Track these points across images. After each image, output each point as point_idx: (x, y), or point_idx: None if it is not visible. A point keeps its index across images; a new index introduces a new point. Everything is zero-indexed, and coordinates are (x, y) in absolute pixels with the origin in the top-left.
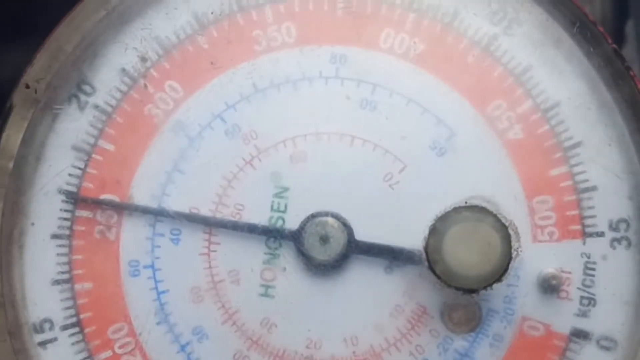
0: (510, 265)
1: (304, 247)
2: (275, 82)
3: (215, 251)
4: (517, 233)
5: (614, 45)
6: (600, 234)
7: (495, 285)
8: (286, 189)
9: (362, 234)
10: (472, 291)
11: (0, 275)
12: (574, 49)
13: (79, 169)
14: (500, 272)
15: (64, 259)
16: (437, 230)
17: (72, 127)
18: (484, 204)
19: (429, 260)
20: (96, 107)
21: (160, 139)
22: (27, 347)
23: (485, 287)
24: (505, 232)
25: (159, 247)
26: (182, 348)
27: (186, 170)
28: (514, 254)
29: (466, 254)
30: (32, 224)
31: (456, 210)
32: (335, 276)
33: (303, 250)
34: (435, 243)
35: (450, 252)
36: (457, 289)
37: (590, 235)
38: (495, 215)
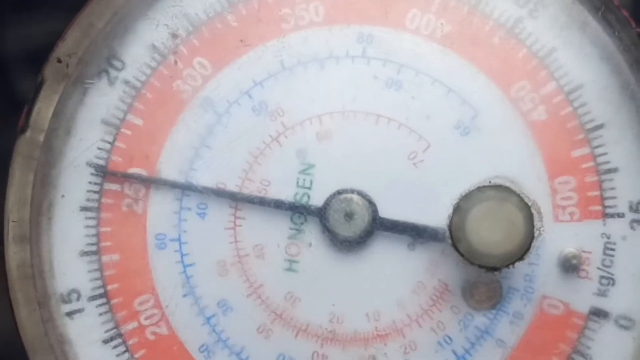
0: (533, 244)
1: (328, 223)
2: (302, 60)
3: (240, 226)
4: (539, 213)
5: (638, 30)
6: (621, 215)
7: (517, 264)
8: (312, 166)
9: (386, 211)
10: (494, 269)
11: (29, 246)
12: (599, 32)
13: (108, 142)
14: (522, 251)
15: (92, 231)
16: (461, 208)
17: (102, 101)
18: (507, 184)
19: (453, 238)
20: (126, 82)
21: (188, 114)
22: (55, 317)
23: (507, 266)
24: (528, 212)
25: (185, 220)
26: (207, 320)
27: (213, 146)
28: (536, 233)
29: (489, 232)
30: (62, 196)
31: (480, 189)
32: (359, 252)
33: (328, 226)
34: (459, 221)
35: (474, 231)
36: (480, 266)
37: (611, 216)
38: (518, 195)
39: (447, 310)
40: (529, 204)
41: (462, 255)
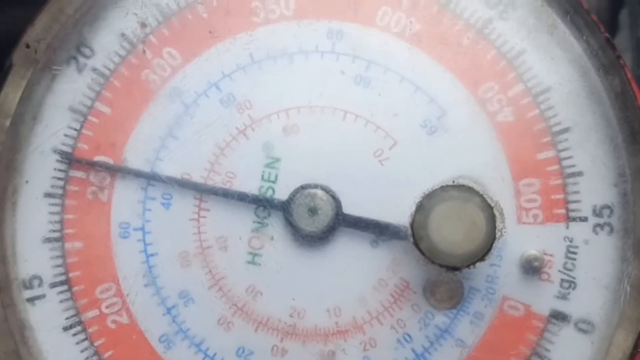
0: (494, 245)
1: (292, 218)
2: (271, 54)
3: (204, 217)
4: (502, 214)
5: (607, 34)
6: (584, 219)
7: (478, 264)
8: (277, 160)
9: (350, 208)
10: (455, 269)
11: None
12: (567, 35)
13: (75, 130)
14: (483, 251)
15: (56, 218)
16: (423, 207)
17: (70, 88)
18: (470, 184)
19: (414, 236)
20: (94, 69)
21: (156, 104)
22: (16, 303)
23: (468, 266)
24: (490, 213)
25: (149, 210)
26: (168, 311)
27: (180, 137)
28: (498, 234)
29: (451, 232)
30: (26, 181)
31: (443, 188)
32: (322, 247)
33: (291, 221)
34: (421, 220)
35: (436, 230)
36: (441, 266)
37: (574, 219)
38: (481, 196)
39: (407, 308)
40: (492, 204)
41: (423, 253)
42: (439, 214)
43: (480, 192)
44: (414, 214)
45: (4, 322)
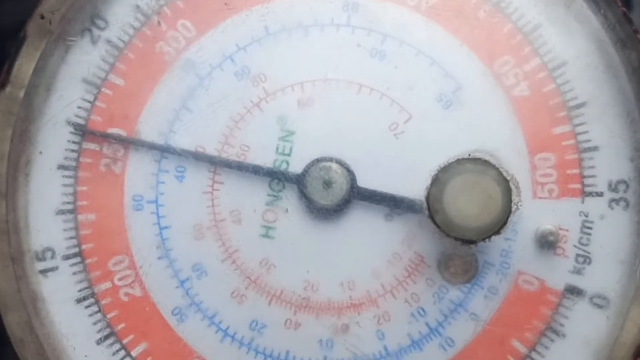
0: (510, 219)
1: (306, 191)
2: (287, 26)
3: (218, 190)
4: (518, 187)
5: (624, 8)
6: (599, 194)
7: (493, 238)
8: (292, 133)
9: (365, 181)
10: (470, 242)
11: (5, 202)
12: (584, 9)
13: (88, 102)
14: (499, 224)
15: (69, 190)
16: (439, 180)
17: (84, 60)
18: (486, 157)
19: (430, 210)
20: (108, 41)
21: (170, 76)
22: (28, 274)
23: (483, 239)
24: (506, 186)
25: (163, 183)
26: (182, 283)
27: (194, 109)
28: (513, 207)
29: (467, 205)
30: (40, 152)
31: (459, 161)
32: (336, 221)
33: (306, 194)
34: (436, 193)
35: (451, 203)
36: (456, 239)
37: (590, 194)
38: (497, 169)
39: (422, 282)
40: (508, 178)
41: (438, 227)
42: (455, 187)
43: (496, 166)
44: (429, 187)
45: (17, 294)
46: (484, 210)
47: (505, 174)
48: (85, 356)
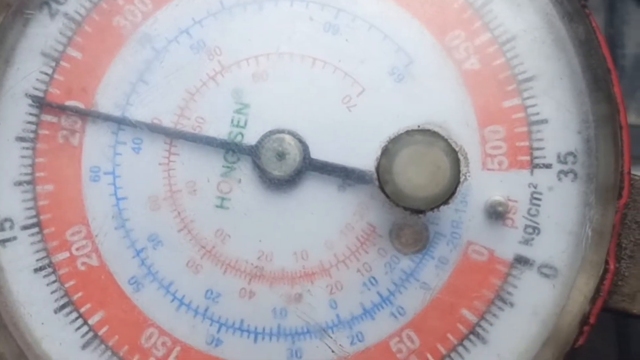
0: (458, 189)
1: (260, 162)
2: (242, 0)
3: (174, 162)
4: (466, 158)
5: None
6: (548, 166)
7: (442, 208)
8: (247, 106)
9: (318, 153)
10: (419, 212)
11: None
12: None
13: (47, 74)
14: (447, 195)
15: (28, 161)
16: (389, 151)
17: (42, 33)
18: (436, 129)
19: (380, 180)
20: (66, 15)
21: (127, 50)
22: None
23: (432, 209)
24: (454, 157)
25: (120, 154)
26: (138, 253)
27: (150, 82)
28: (462, 178)
29: (416, 175)
30: None
31: (409, 132)
32: (290, 192)
33: (260, 165)
34: (386, 163)
35: (401, 173)
36: (405, 209)
37: (539, 166)
38: (446, 140)
39: (374, 252)
40: (456, 149)
41: (388, 197)
42: (404, 157)
43: (445, 137)
44: (379, 157)
45: None
46: (432, 181)
47: (453, 145)
48: (42, 323)
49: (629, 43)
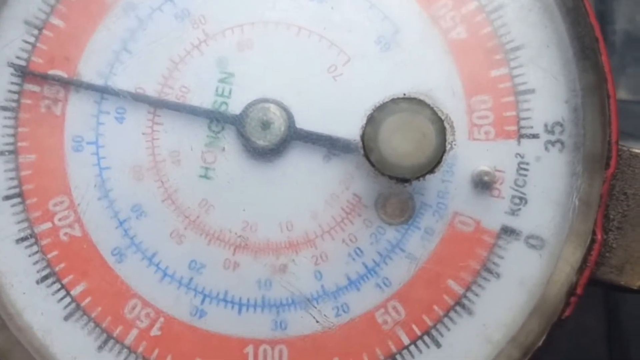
0: (444, 158)
1: (245, 131)
2: None
3: (158, 131)
4: (452, 127)
5: None
6: (535, 136)
7: (428, 177)
8: (231, 75)
9: (303, 122)
10: (405, 181)
11: None
12: None
13: (29, 43)
14: (433, 163)
15: (10, 131)
16: (374, 119)
17: (25, 1)
18: (421, 97)
19: (365, 149)
20: None
21: (110, 18)
22: None
23: (418, 178)
24: (440, 125)
25: (103, 124)
26: (121, 224)
27: (134, 51)
28: (448, 146)
29: (401, 143)
30: None
31: (394, 101)
32: (275, 162)
33: (244, 135)
34: (371, 132)
35: (386, 141)
36: (391, 178)
37: (526, 136)
38: (431, 108)
39: (359, 223)
40: (442, 117)
41: (373, 166)
42: (390, 125)
43: (431, 105)
44: (364, 126)
45: None
46: (418, 149)
47: (439, 113)
48: (24, 293)
49: (619, 19)
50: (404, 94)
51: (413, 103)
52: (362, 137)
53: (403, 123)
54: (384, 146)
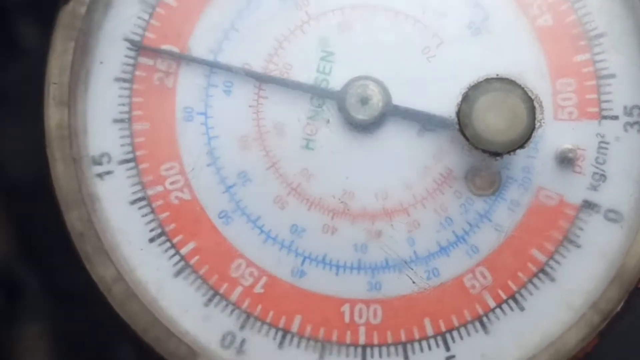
0: (533, 134)
1: (345, 106)
2: None
3: (263, 104)
4: (541, 106)
5: None
6: (615, 117)
7: (518, 151)
8: (332, 54)
9: (399, 100)
10: (497, 154)
11: (67, 109)
12: None
13: (144, 20)
14: (523, 139)
15: (125, 101)
16: (469, 97)
17: None
18: (513, 78)
19: (460, 124)
20: None
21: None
22: (86, 177)
23: (509, 152)
24: (531, 104)
25: (212, 96)
26: (228, 189)
27: (241, 29)
28: (537, 124)
29: (494, 120)
30: (101, 62)
31: (488, 80)
32: (372, 135)
33: (344, 108)
34: (466, 109)
35: (480, 118)
36: (484, 151)
37: (606, 117)
38: (523, 88)
39: (450, 194)
40: (532, 97)
41: (467, 140)
42: (483, 103)
43: (522, 85)
44: (459, 103)
45: (78, 193)
46: (510, 126)
47: (530, 93)
48: (141, 249)
49: None
50: (497, 74)
51: (505, 83)
52: (458, 113)
53: (496, 102)
54: (478, 123)
